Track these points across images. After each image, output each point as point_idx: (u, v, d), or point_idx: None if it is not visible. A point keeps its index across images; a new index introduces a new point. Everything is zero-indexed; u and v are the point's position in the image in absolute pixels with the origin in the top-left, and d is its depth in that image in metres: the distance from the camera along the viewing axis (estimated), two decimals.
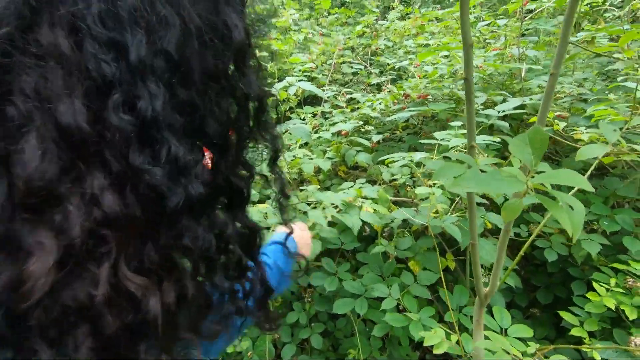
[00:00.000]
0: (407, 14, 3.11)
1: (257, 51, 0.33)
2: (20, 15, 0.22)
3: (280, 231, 0.62)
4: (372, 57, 2.61)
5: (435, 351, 0.62)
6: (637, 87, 0.65)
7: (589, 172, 0.57)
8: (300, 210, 1.28)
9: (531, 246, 1.29)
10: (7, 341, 0.21)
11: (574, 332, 0.97)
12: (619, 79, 0.94)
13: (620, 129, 0.60)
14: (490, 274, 1.10)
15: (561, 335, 1.25)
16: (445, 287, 0.98)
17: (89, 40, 0.23)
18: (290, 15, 2.42)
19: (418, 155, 1.04)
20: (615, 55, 1.01)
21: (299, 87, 0.95)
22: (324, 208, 1.08)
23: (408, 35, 2.62)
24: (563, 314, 1.01)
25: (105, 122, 0.23)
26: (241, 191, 0.33)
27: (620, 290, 0.97)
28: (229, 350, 1.13)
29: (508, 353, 0.50)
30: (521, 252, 0.60)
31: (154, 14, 0.24)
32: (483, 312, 0.59)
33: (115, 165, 0.23)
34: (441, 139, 1.05)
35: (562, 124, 0.70)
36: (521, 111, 1.12)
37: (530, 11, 1.47)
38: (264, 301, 0.40)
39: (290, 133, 1.44)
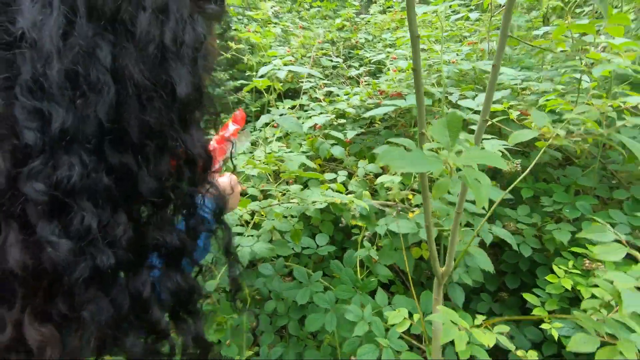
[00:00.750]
0: (388, 7, 3.13)
1: (210, 104, 0.32)
2: None
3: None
4: (351, 51, 2.63)
5: (398, 329, 0.66)
6: (580, 77, 0.70)
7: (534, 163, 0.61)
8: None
9: (499, 237, 1.35)
10: None
11: (536, 311, 1.03)
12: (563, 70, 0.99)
13: (561, 120, 0.64)
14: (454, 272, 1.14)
15: (526, 315, 1.32)
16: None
17: (17, 107, 0.23)
18: (269, 8, 2.41)
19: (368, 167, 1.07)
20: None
21: (289, 70, 0.95)
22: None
23: (388, 28, 2.65)
24: (526, 296, 1.07)
25: (18, 188, 0.23)
26: (177, 248, 0.31)
27: (578, 272, 1.03)
28: (208, 338, 1.15)
29: (457, 325, 0.53)
30: (475, 233, 0.63)
31: (86, 81, 0.23)
32: (441, 290, 0.63)
33: (25, 229, 0.23)
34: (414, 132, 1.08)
35: (516, 113, 0.73)
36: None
37: (501, 6, 1.52)
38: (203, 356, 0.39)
39: (274, 126, 1.45)
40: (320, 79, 1.90)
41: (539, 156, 0.61)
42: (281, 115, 1.29)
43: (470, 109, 1.12)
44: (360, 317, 0.95)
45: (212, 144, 0.72)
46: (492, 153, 0.29)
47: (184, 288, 0.33)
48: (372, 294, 1.10)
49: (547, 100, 0.65)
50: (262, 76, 1.00)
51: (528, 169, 0.59)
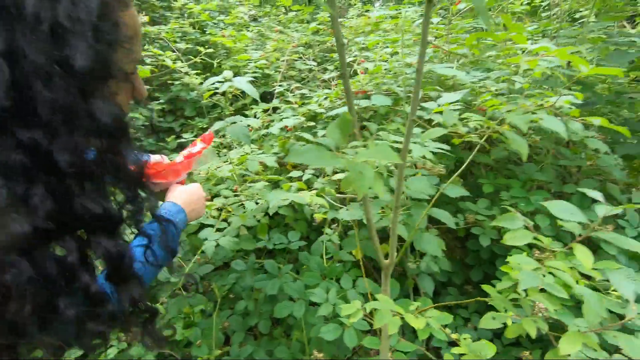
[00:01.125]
0: (366, 11, 3.19)
1: (117, 73, 0.33)
2: None
3: (168, 204, 0.64)
4: (327, 54, 2.68)
5: (350, 321, 0.69)
6: (513, 80, 0.75)
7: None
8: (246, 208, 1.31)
9: (466, 230, 1.41)
10: None
11: (493, 302, 1.08)
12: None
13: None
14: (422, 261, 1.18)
15: (491, 307, 1.38)
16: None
17: None
18: (246, 12, 2.43)
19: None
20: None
21: (232, 84, 0.98)
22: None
23: (363, 32, 2.70)
24: (484, 287, 1.12)
25: None
26: (101, 216, 0.32)
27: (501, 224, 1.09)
28: (178, 338, 1.16)
29: (393, 312, 0.57)
30: (423, 214, 0.67)
31: None
32: (388, 280, 0.67)
33: None
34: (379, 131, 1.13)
35: (464, 129, 0.78)
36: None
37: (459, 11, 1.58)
38: (145, 322, 0.41)
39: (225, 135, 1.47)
40: (289, 86, 1.93)
41: (472, 156, 0.66)
42: (233, 124, 1.31)
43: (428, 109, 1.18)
44: (324, 299, 1.01)
45: (179, 158, 0.79)
46: (386, 149, 0.33)
47: (113, 253, 0.35)
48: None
49: (485, 100, 0.71)
50: (209, 89, 1.03)
51: (463, 166, 0.63)
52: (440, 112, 1.36)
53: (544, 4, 2.50)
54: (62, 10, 0.28)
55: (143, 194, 0.40)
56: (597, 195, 0.64)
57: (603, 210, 0.62)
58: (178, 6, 2.38)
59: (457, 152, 1.52)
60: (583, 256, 0.60)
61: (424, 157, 1.02)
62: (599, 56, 1.47)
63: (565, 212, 0.60)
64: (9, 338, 0.29)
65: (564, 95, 0.68)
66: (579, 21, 2.06)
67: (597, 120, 0.57)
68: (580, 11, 2.14)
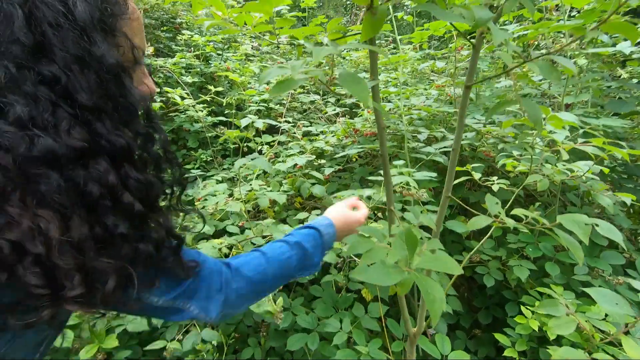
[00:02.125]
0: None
1: (127, 27, 0.40)
2: None
3: (320, 217, 0.74)
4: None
5: (365, 349, 0.67)
6: (533, 145, 0.77)
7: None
8: (255, 244, 1.31)
9: (472, 271, 1.41)
10: None
11: (507, 352, 1.07)
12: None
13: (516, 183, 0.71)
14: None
15: (500, 353, 1.36)
16: (396, 312, 1.05)
17: None
18: (250, 48, 2.48)
19: (366, 192, 1.11)
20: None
21: (252, 122, 0.98)
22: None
23: (363, 64, 2.77)
24: (498, 336, 1.11)
25: None
26: (123, 148, 0.37)
27: (544, 312, 1.09)
28: None
29: None
30: (449, 283, 0.67)
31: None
32: (414, 348, 0.65)
33: None
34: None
35: (478, 175, 0.80)
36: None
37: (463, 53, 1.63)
38: (175, 249, 0.46)
39: (247, 168, 1.48)
40: (295, 120, 1.95)
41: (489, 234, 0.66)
42: (253, 159, 1.34)
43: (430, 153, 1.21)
44: (338, 328, 1.02)
45: None
46: (445, 257, 0.33)
47: (142, 180, 0.39)
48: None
49: (505, 162, 0.72)
50: (245, 127, 1.03)
51: (489, 233, 0.64)
52: (445, 152, 1.39)
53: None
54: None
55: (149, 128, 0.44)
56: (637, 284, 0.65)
57: None
58: (184, 39, 2.41)
59: (462, 190, 1.54)
60: (631, 350, 0.59)
61: (407, 183, 1.05)
62: (595, 97, 1.53)
63: (610, 302, 0.59)
64: (76, 260, 0.33)
65: (586, 164, 0.70)
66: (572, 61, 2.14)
67: (628, 199, 0.59)
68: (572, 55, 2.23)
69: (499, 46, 0.35)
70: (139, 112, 0.42)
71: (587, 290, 0.64)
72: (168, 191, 0.47)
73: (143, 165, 0.42)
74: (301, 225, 0.70)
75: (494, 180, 0.77)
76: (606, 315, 0.90)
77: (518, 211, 0.52)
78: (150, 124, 0.43)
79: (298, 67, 0.29)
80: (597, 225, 0.42)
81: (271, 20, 0.54)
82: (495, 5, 0.46)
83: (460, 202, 0.68)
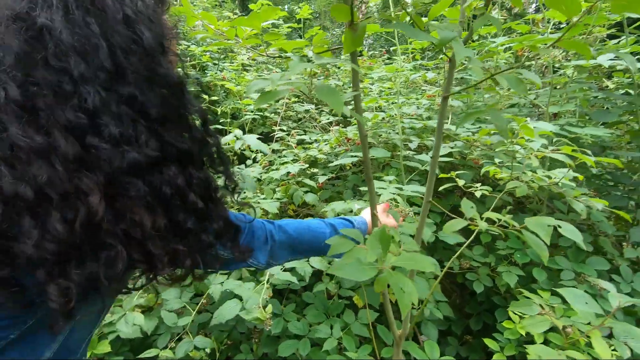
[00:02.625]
0: (359, 51, 3.33)
1: (174, 47, 0.46)
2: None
3: (357, 216, 0.84)
4: None
5: (355, 355, 0.69)
6: (514, 155, 0.80)
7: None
8: None
9: (463, 277, 1.43)
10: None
11: (496, 357, 1.09)
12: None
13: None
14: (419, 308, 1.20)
15: (490, 359, 1.37)
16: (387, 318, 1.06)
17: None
18: (242, 59, 2.52)
19: (356, 206, 1.14)
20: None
21: (244, 141, 1.01)
22: None
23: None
24: (487, 341, 1.13)
25: (66, 118, 0.35)
26: (187, 151, 0.43)
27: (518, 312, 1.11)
28: None
29: None
30: (426, 299, 0.69)
31: (89, 45, 0.37)
32: (400, 350, 0.67)
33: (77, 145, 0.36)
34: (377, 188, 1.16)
35: (462, 182, 0.82)
36: (448, 159, 1.28)
37: (463, 63, 1.67)
38: (234, 237, 0.53)
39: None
40: (289, 129, 1.98)
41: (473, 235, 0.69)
42: (239, 173, 1.36)
43: (425, 161, 1.23)
44: (329, 334, 1.04)
45: None
46: (421, 257, 0.35)
47: (202, 179, 0.45)
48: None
49: (488, 170, 0.75)
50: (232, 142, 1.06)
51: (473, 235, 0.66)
52: None
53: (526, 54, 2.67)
54: (130, 5, 0.40)
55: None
56: (608, 286, 0.67)
57: (616, 301, 0.64)
58: (180, 49, 2.44)
59: (453, 198, 1.57)
60: (601, 347, 0.61)
61: (394, 200, 1.08)
62: (581, 106, 1.57)
63: (580, 301, 0.62)
64: (162, 246, 0.39)
65: (561, 171, 0.73)
66: (559, 73, 2.20)
67: (600, 205, 0.61)
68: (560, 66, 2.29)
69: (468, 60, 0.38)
70: (197, 121, 0.47)
71: (559, 290, 0.66)
72: (222, 186, 0.52)
73: (201, 165, 0.47)
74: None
75: (477, 187, 0.80)
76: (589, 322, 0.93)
77: (490, 214, 0.54)
78: (206, 130, 0.48)
79: (277, 79, 0.32)
80: (559, 226, 0.45)
81: (263, 32, 0.57)
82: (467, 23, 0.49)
83: (446, 211, 0.70)
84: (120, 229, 0.37)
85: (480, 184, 0.82)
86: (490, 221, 0.53)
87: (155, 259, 0.40)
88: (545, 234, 0.42)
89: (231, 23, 0.54)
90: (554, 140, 0.99)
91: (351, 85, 1.92)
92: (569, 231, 0.46)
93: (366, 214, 0.86)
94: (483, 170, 0.88)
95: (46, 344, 0.41)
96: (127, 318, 0.96)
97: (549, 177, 0.77)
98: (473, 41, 1.66)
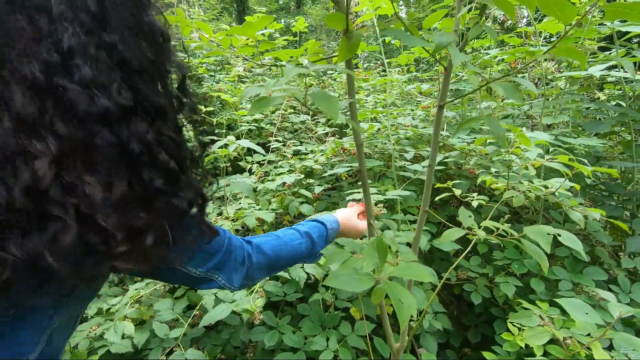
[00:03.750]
0: (355, 64, 3.38)
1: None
2: None
3: (329, 214, 0.84)
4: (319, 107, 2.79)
5: None
6: (510, 165, 0.80)
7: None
8: None
9: (461, 289, 1.42)
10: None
11: None
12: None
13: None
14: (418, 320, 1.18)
15: None
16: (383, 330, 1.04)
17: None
18: (238, 71, 2.53)
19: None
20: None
21: (239, 144, 1.01)
22: None
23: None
24: (486, 354, 1.10)
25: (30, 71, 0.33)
26: (161, 108, 0.41)
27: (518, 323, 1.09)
28: None
29: None
30: (424, 311, 0.68)
31: None
32: None
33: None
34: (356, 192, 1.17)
35: (458, 192, 0.82)
36: (443, 167, 1.28)
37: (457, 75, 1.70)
38: (202, 208, 0.49)
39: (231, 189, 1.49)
40: (285, 139, 1.98)
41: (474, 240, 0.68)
42: (235, 180, 1.35)
43: (418, 171, 1.24)
44: (325, 346, 1.02)
45: None
46: (418, 267, 0.34)
47: (174, 139, 0.42)
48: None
49: (484, 179, 0.75)
50: (221, 146, 1.05)
51: (468, 248, 0.65)
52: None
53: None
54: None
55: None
56: (608, 295, 0.67)
57: (617, 311, 0.64)
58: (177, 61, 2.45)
59: (449, 209, 1.57)
60: (602, 359, 0.60)
61: (376, 203, 1.08)
62: (574, 117, 1.59)
63: (581, 312, 0.61)
64: (118, 219, 0.35)
65: (558, 181, 0.73)
66: (550, 85, 2.23)
67: (597, 214, 0.61)
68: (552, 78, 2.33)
69: (463, 67, 0.38)
70: (177, 77, 0.46)
71: (558, 300, 0.66)
72: (194, 152, 0.49)
73: (175, 126, 0.44)
74: (310, 218, 0.82)
75: (473, 197, 0.79)
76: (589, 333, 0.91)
77: (488, 223, 0.53)
78: (184, 89, 0.47)
79: (271, 85, 0.32)
80: (559, 235, 0.44)
81: (258, 43, 0.57)
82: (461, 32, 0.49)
83: (443, 220, 0.70)
84: (70, 198, 0.33)
85: (476, 193, 0.82)
86: (488, 230, 0.53)
87: (109, 234, 0.36)
88: (546, 243, 0.42)
89: (227, 32, 0.54)
90: (549, 150, 0.99)
91: (344, 98, 1.93)
92: (569, 240, 0.45)
93: (339, 213, 0.87)
94: (479, 180, 0.88)
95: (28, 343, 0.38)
96: (117, 327, 0.94)
97: (546, 187, 0.77)
98: (467, 53, 1.69)
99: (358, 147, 0.50)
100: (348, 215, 0.88)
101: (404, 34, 0.36)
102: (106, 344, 1.01)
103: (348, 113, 0.51)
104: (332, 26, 0.44)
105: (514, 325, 1.09)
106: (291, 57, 0.60)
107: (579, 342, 0.69)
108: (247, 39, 0.57)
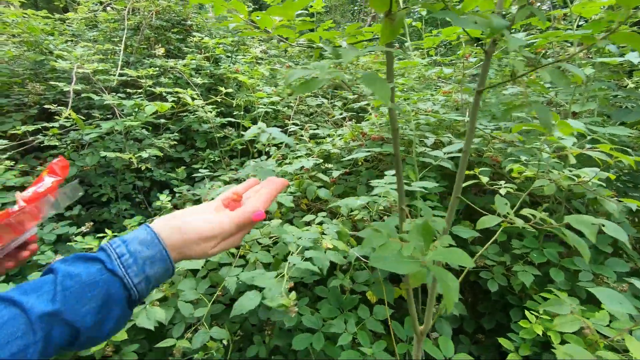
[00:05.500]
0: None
1: None
2: None
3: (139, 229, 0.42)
4: (335, 90, 2.76)
5: (370, 351, 0.68)
6: (541, 152, 0.79)
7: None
8: (260, 244, 1.33)
9: (477, 275, 1.42)
10: None
11: (511, 357, 1.08)
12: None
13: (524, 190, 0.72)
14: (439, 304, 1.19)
15: (503, 358, 1.36)
16: (401, 313, 1.06)
17: None
18: (255, 52, 2.51)
19: (357, 202, 1.14)
20: None
21: (270, 134, 1.01)
22: (295, 248, 1.14)
23: (370, 68, 2.80)
24: (501, 341, 1.12)
25: None
26: None
27: (548, 317, 1.09)
28: None
29: None
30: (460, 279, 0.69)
31: None
32: (421, 346, 0.67)
33: None
34: (388, 183, 1.16)
35: (485, 179, 0.81)
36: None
37: (481, 59, 1.65)
38: None
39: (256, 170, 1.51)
40: (302, 123, 1.98)
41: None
42: (257, 165, 1.37)
43: (438, 157, 1.23)
44: (343, 329, 1.03)
45: (17, 205, 0.57)
46: (459, 251, 0.34)
47: None
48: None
49: (512, 167, 0.74)
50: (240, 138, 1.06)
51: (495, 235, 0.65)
52: (452, 158, 1.40)
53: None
54: None
55: None
56: None
57: None
58: (194, 41, 2.45)
59: (468, 195, 1.55)
60: (635, 349, 0.60)
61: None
62: (602, 106, 1.54)
63: (614, 302, 0.61)
64: None
65: (593, 170, 0.71)
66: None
67: (633, 205, 0.60)
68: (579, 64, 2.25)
69: (513, 52, 0.37)
70: None
71: (592, 290, 0.65)
72: None
73: None
74: (79, 254, 0.38)
75: (501, 184, 0.78)
76: (610, 321, 0.91)
77: (526, 211, 0.53)
78: None
79: (325, 67, 0.31)
80: (603, 225, 0.44)
81: (291, 23, 0.56)
82: (504, 13, 0.48)
83: (471, 204, 0.69)
84: None
85: (503, 181, 0.81)
86: (525, 219, 0.52)
87: None
88: (590, 233, 0.41)
89: (261, 12, 0.54)
90: (578, 138, 0.97)
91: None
92: (614, 230, 0.45)
93: (162, 220, 0.43)
94: (508, 168, 0.87)
95: None
96: (149, 313, 0.97)
97: (578, 177, 0.75)
98: None
99: (394, 131, 0.50)
100: (183, 216, 0.44)
101: (453, 15, 0.35)
102: (132, 318, 1.06)
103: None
104: (375, 7, 0.43)
105: (532, 313, 1.10)
106: (324, 39, 0.60)
107: (605, 336, 0.69)
108: (282, 19, 0.56)
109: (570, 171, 0.77)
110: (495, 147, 1.31)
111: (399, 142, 0.51)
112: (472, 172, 0.86)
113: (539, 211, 0.52)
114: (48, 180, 0.60)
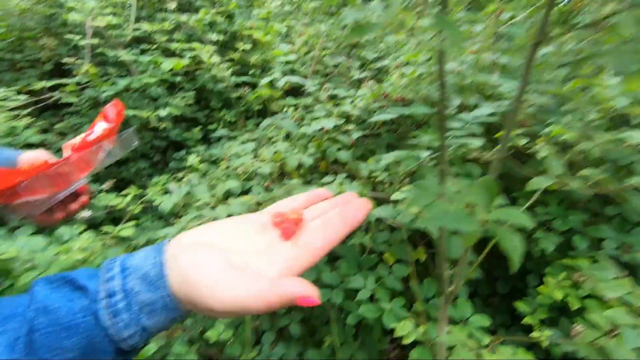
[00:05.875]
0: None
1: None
2: None
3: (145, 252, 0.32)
4: (353, 49, 2.64)
5: (404, 341, 0.71)
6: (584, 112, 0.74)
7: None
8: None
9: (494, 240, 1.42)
10: None
11: (527, 320, 1.10)
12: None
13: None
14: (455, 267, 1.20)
15: (515, 322, 1.39)
16: (417, 276, 1.08)
17: None
18: (271, 6, 2.39)
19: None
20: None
21: (287, 81, 0.98)
22: None
23: (391, 27, 2.66)
24: (517, 304, 1.13)
25: None
26: None
27: (568, 283, 1.10)
28: (213, 338, 1.18)
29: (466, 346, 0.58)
30: (484, 252, 0.68)
31: None
32: (447, 308, 0.67)
33: None
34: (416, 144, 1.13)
35: (522, 142, 0.78)
36: (493, 118, 1.21)
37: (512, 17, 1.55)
38: None
39: (275, 128, 1.48)
40: (320, 82, 1.92)
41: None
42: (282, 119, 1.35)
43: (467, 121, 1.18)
44: (362, 285, 1.06)
45: (67, 152, 0.52)
46: (517, 211, 0.33)
47: None
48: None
49: (552, 130, 0.70)
50: (271, 86, 1.02)
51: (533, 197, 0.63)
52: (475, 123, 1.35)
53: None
54: None
55: None
56: None
57: None
58: None
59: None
60: None
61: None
62: None
63: None
64: None
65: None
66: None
67: None
68: None
69: None
70: None
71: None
72: None
73: None
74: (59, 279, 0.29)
75: (539, 145, 0.75)
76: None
77: (586, 171, 0.51)
78: None
79: (395, 5, 0.28)
80: None
81: None
82: None
83: (520, 172, 0.67)
84: None
85: (542, 143, 0.78)
86: (585, 179, 0.50)
87: None
88: None
89: None
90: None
91: (382, 40, 1.80)
92: None
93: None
94: (549, 129, 0.83)
95: None
96: None
97: (622, 140, 0.71)
98: None
99: (442, 84, 0.47)
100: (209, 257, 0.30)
101: None
102: None
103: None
104: None
105: (551, 278, 1.10)
106: None
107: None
108: None
109: (616, 134, 0.73)
110: (527, 111, 1.25)
111: (446, 93, 0.48)
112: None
113: (600, 173, 0.50)
114: (99, 128, 0.55)
